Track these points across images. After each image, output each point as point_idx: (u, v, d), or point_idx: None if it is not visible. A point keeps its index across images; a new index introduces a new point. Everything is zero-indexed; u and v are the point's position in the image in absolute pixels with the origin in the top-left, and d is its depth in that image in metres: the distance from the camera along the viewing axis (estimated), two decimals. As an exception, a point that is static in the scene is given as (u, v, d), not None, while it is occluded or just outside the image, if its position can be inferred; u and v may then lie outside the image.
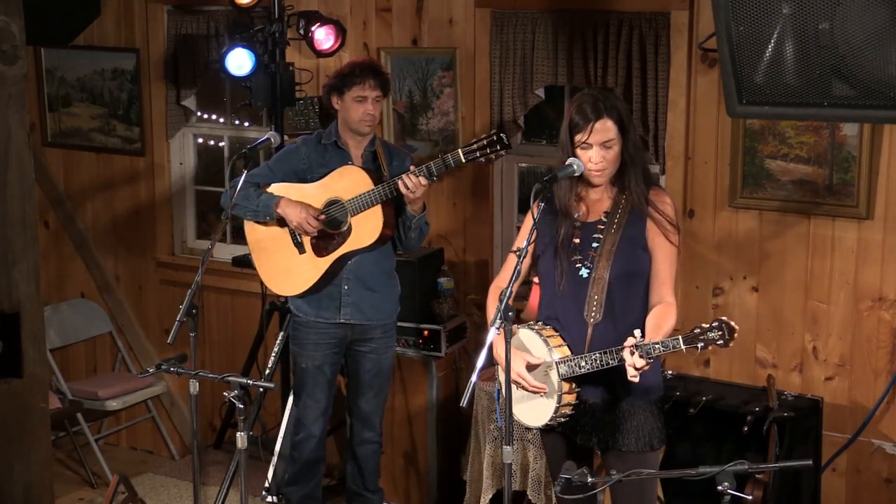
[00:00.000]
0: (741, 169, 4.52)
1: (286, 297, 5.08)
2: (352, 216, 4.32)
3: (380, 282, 4.47)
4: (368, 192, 4.26)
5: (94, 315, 6.40)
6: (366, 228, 4.30)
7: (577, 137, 3.44)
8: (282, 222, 4.42)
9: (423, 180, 4.15)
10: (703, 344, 3.15)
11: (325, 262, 4.38)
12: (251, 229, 4.53)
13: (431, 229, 5.32)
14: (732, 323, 3.13)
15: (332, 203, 4.35)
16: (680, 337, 3.17)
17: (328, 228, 4.37)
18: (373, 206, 4.27)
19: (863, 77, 2.93)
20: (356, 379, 4.60)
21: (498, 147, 4.06)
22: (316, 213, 4.35)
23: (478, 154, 4.08)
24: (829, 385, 4.48)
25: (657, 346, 3.20)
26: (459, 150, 4.11)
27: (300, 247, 4.43)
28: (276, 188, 4.44)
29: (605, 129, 3.42)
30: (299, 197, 4.39)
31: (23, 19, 4.03)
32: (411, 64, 5.26)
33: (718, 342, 3.13)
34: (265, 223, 4.46)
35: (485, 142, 4.07)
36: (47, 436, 4.32)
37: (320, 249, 4.40)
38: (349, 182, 4.33)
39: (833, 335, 4.45)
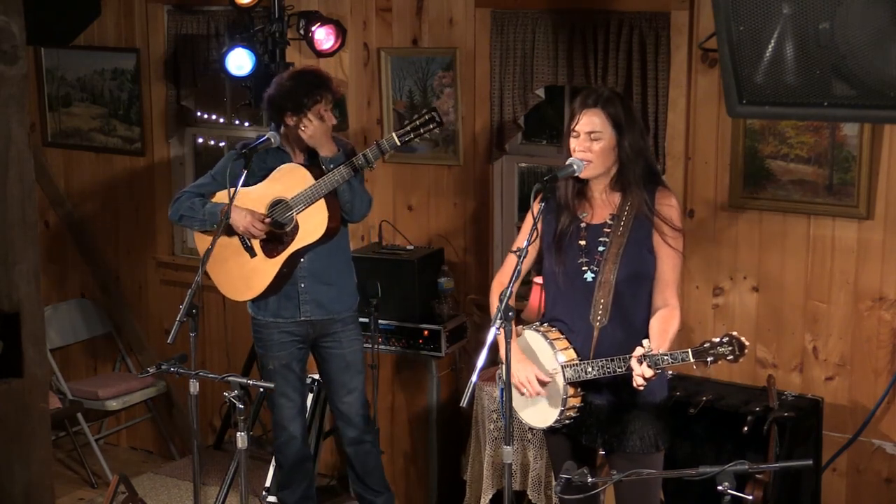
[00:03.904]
0: (741, 169, 4.52)
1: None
2: (297, 213, 4.30)
3: (336, 275, 4.46)
4: (310, 187, 4.25)
5: (94, 315, 6.41)
6: (312, 223, 4.29)
7: (570, 125, 3.48)
8: (230, 229, 4.36)
9: (315, 122, 4.19)
10: (712, 358, 3.15)
11: (277, 262, 4.36)
12: (201, 240, 4.50)
13: (432, 229, 5.34)
14: (743, 339, 3.13)
15: (276, 203, 4.33)
16: (689, 350, 3.18)
17: (275, 229, 4.35)
18: (316, 200, 4.26)
19: (863, 77, 2.93)
20: (328, 379, 4.57)
21: (432, 126, 4.08)
22: (261, 216, 4.33)
23: (412, 135, 4.10)
24: (829, 385, 4.48)
25: (666, 357, 3.21)
26: (394, 134, 4.14)
27: (251, 251, 4.41)
28: (220, 196, 4.40)
29: (594, 120, 3.43)
30: (244, 202, 4.35)
31: (23, 19, 4.03)
32: (411, 64, 5.26)
33: (728, 357, 3.13)
34: (214, 232, 4.43)
35: (417, 122, 4.10)
36: (47, 436, 4.32)
37: (270, 251, 4.38)
38: (290, 180, 4.31)
39: (833, 335, 4.45)
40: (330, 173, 4.23)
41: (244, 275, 4.44)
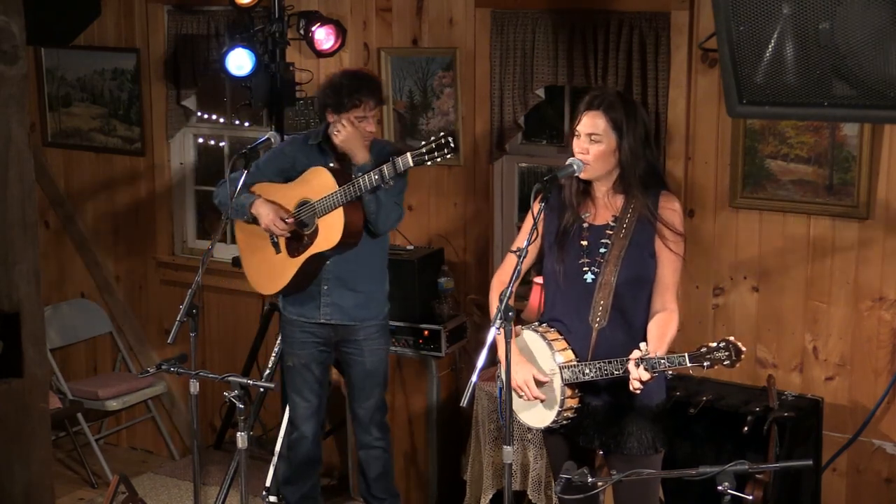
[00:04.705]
0: (741, 169, 4.52)
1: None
2: (318, 218, 4.30)
3: (363, 283, 4.43)
4: (332, 193, 4.23)
5: (94, 315, 6.41)
6: (329, 231, 4.27)
7: (573, 124, 3.49)
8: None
9: (348, 128, 4.16)
10: (708, 363, 3.16)
11: (296, 262, 4.36)
12: (240, 228, 4.56)
13: (432, 229, 5.33)
14: (739, 344, 3.13)
15: (302, 204, 4.34)
16: (686, 354, 3.18)
17: (299, 229, 4.36)
18: (335, 208, 4.24)
19: (863, 77, 2.93)
20: (348, 381, 4.59)
21: (445, 151, 3.99)
22: (286, 215, 4.34)
23: (426, 158, 4.01)
24: (829, 385, 4.48)
25: (662, 361, 3.21)
26: (408, 154, 4.05)
27: (276, 247, 4.43)
28: (258, 188, 4.44)
29: (594, 122, 3.43)
30: (276, 197, 4.38)
31: (23, 19, 4.03)
32: (411, 64, 5.26)
33: (725, 362, 3.14)
34: (249, 222, 4.46)
35: (433, 145, 4.01)
36: (47, 436, 4.32)
37: (292, 250, 4.39)
38: (316, 183, 4.31)
39: (833, 335, 4.45)
40: (348, 184, 4.20)
41: (269, 269, 4.47)
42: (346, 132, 4.22)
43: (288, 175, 4.42)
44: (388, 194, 4.25)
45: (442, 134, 3.99)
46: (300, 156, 4.42)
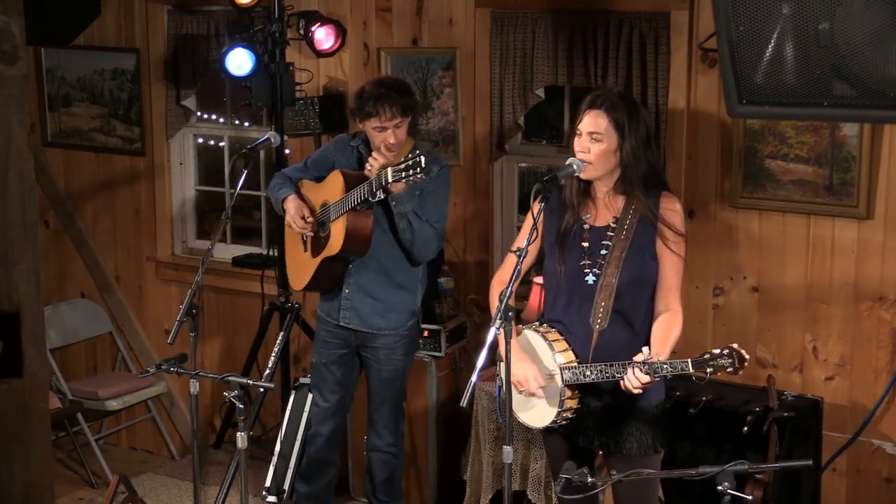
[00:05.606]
0: (741, 169, 4.53)
1: (287, 297, 5.12)
2: (331, 221, 4.32)
3: (385, 292, 4.41)
4: (341, 199, 4.24)
5: (94, 315, 6.40)
6: (336, 236, 4.28)
7: (575, 124, 3.50)
8: None
9: (381, 161, 4.11)
10: (711, 370, 3.16)
11: (315, 262, 4.38)
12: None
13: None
14: (743, 352, 3.13)
15: (324, 205, 4.37)
16: (689, 360, 3.18)
17: (320, 230, 4.39)
18: (341, 214, 4.24)
19: (863, 77, 2.93)
20: (367, 384, 4.60)
21: (417, 170, 3.89)
22: (308, 214, 4.37)
23: (402, 175, 3.94)
24: (829, 385, 4.48)
25: (665, 366, 3.22)
26: (389, 170, 3.99)
27: (305, 244, 4.48)
28: (304, 184, 4.51)
29: (596, 121, 3.45)
30: (311, 195, 4.44)
31: (23, 19, 4.03)
32: (411, 64, 5.26)
33: (728, 370, 3.14)
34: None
35: (409, 163, 3.93)
36: (47, 436, 4.32)
37: (314, 249, 4.42)
38: (331, 187, 4.33)
39: (833, 335, 4.45)
40: (348, 193, 4.19)
41: (298, 265, 4.53)
42: (379, 162, 4.13)
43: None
44: (427, 219, 4.24)
45: (418, 152, 3.92)
46: (340, 156, 4.46)
